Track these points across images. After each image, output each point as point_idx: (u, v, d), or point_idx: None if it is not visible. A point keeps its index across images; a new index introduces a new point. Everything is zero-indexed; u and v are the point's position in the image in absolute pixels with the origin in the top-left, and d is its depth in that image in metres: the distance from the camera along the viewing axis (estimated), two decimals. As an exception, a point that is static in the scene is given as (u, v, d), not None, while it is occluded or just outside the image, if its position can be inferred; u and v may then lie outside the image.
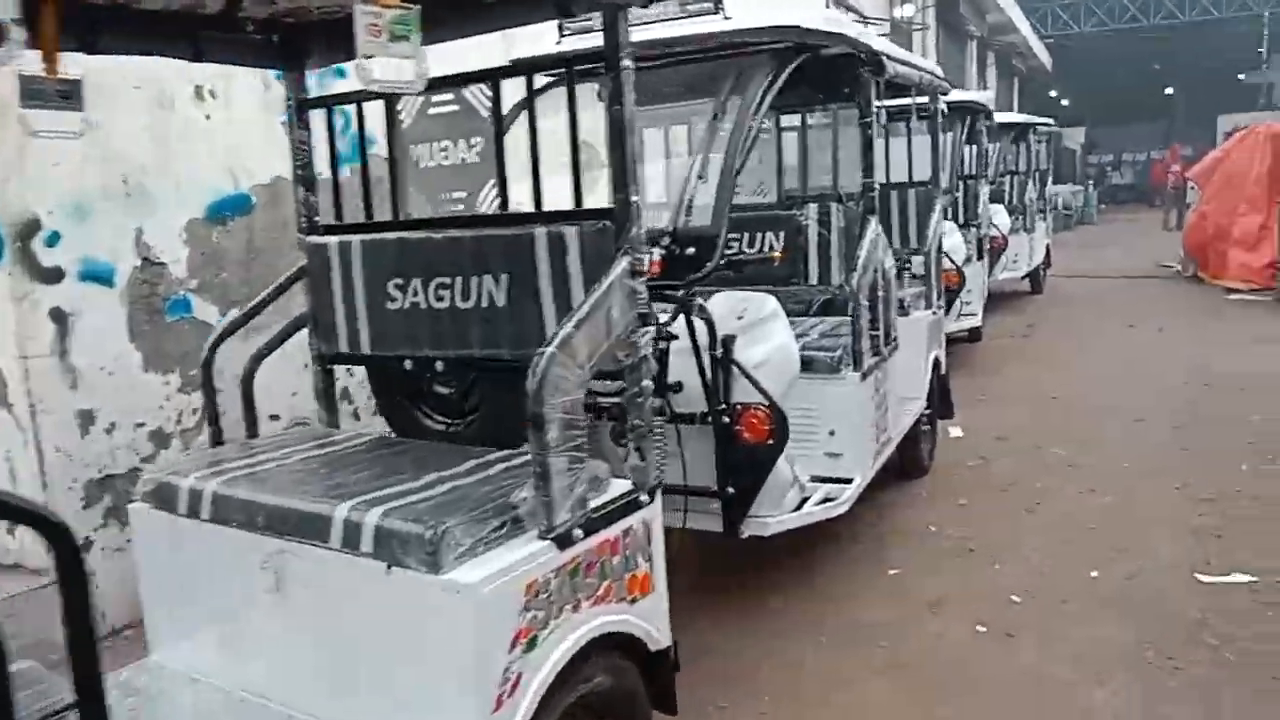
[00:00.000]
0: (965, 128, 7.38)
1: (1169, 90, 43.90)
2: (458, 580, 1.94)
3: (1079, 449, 5.74)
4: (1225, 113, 35.37)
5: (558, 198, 2.58)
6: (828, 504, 3.70)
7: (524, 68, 2.43)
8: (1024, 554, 4.24)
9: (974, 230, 7.97)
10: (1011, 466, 5.51)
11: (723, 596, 3.86)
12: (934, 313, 5.29)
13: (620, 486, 2.39)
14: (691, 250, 2.87)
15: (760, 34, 3.21)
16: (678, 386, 3.25)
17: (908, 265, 5.39)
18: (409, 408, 2.90)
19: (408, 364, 2.77)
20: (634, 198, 2.32)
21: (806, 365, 3.87)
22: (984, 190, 8.23)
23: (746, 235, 4.22)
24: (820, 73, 4.04)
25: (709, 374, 3.21)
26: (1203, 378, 7.35)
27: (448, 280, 2.63)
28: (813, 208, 4.10)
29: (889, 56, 4.03)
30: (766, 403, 3.25)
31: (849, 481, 3.86)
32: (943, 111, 6.90)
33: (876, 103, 4.58)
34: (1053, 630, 3.54)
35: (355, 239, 2.83)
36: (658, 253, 2.91)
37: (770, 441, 3.27)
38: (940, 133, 5.39)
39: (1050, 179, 12.67)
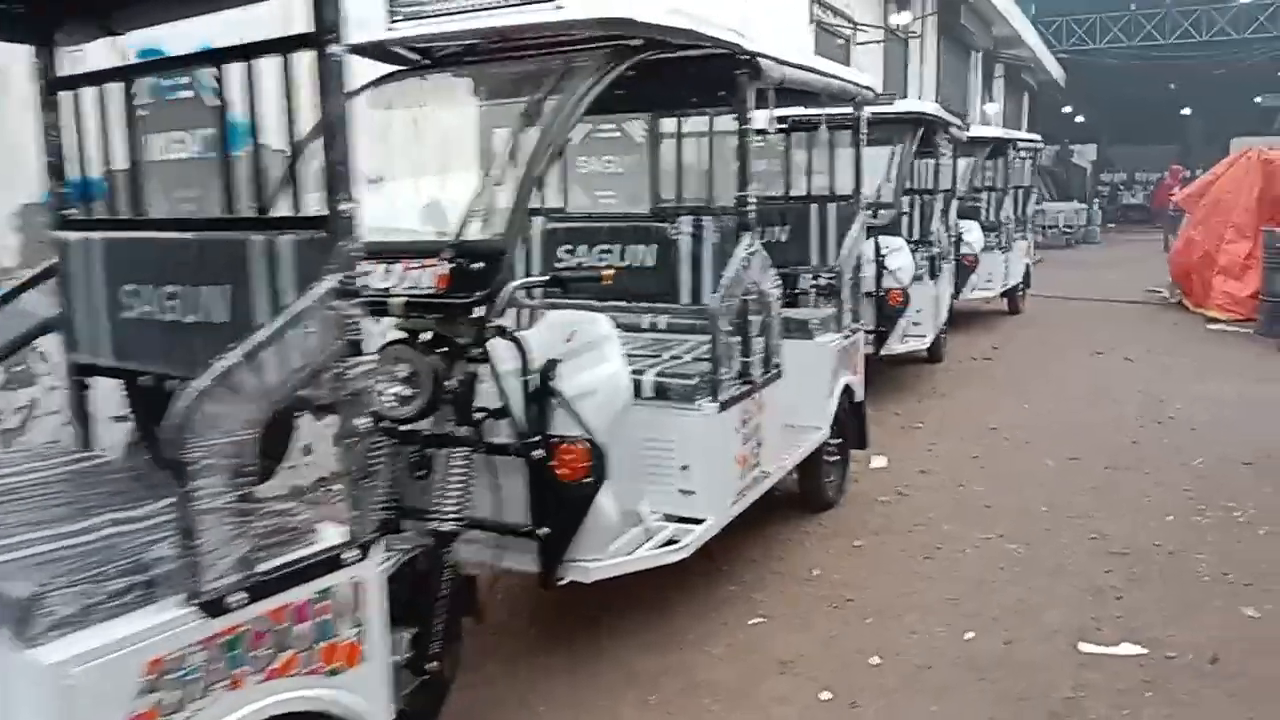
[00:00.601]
0: (915, 140, 7.01)
1: (1185, 110, 43.32)
2: (40, 659, 1.62)
3: (1002, 487, 5.38)
4: (1239, 135, 34.94)
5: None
6: (668, 548, 3.36)
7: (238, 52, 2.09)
8: (903, 609, 3.88)
9: (928, 248, 7.59)
10: (925, 504, 5.15)
11: (548, 646, 3.52)
12: (845, 336, 4.94)
13: (333, 538, 2.06)
14: (479, 265, 2.53)
15: (585, 26, 2.87)
16: (496, 413, 2.92)
17: (820, 284, 5.04)
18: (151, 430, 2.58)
19: (144, 380, 2.46)
20: (346, 206, 1.99)
21: (660, 392, 3.55)
22: (942, 207, 7.84)
23: (616, 247, 3.88)
24: (693, 74, 3.73)
25: (517, 402, 2.88)
26: (1156, 413, 6.97)
27: (174, 289, 2.31)
28: (686, 220, 3.76)
29: (773, 59, 3.68)
30: (586, 437, 2.92)
31: (701, 521, 3.52)
32: (875, 121, 6.57)
33: (776, 111, 4.29)
34: (900, 702, 3.18)
35: (97, 236, 2.52)
36: (445, 267, 2.58)
37: (588, 479, 2.94)
38: (861, 145, 5.03)
39: (1034, 196, 12.25)
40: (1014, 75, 27.66)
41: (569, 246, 3.99)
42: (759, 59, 3.54)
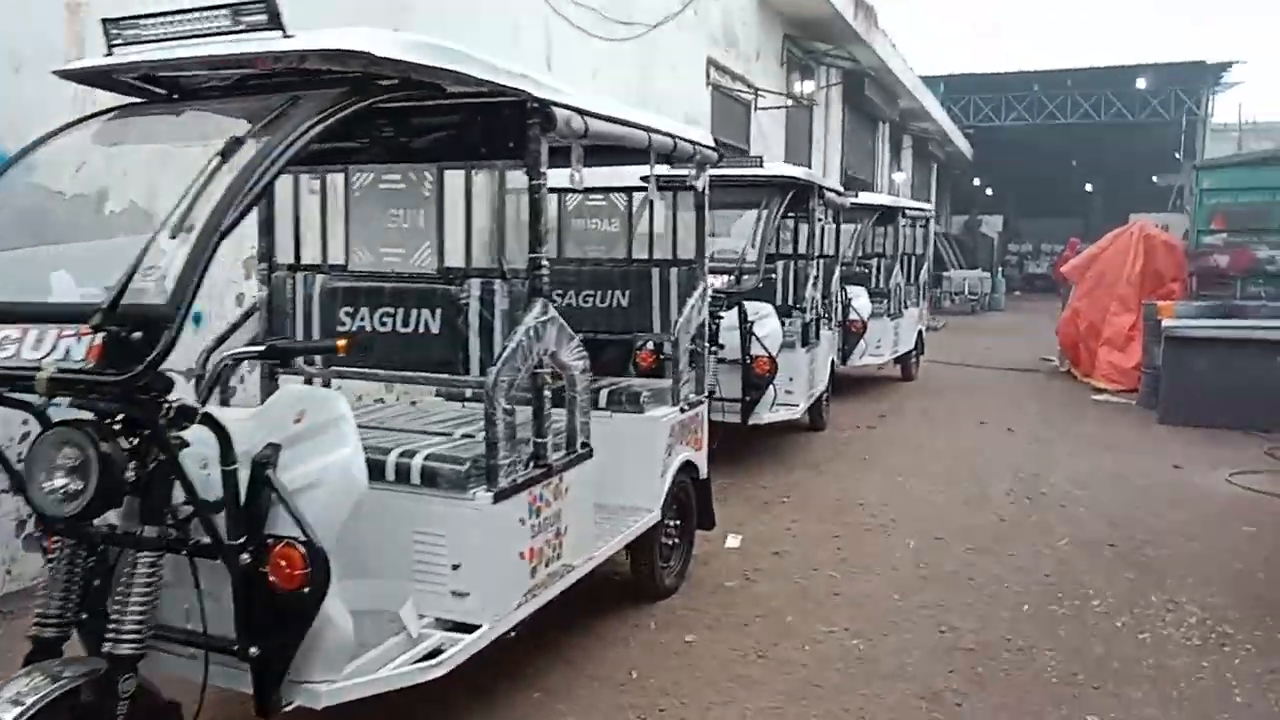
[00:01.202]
0: (783, 204, 6.79)
1: (1088, 187, 45.14)
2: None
3: (856, 573, 5.02)
4: (1138, 212, 36.39)
5: None
6: (425, 663, 2.88)
7: None
8: (716, 721, 3.46)
9: (801, 315, 7.34)
10: (771, 591, 4.76)
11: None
12: (683, 409, 4.57)
13: None
14: (138, 334, 2.08)
15: (312, 58, 2.48)
16: (198, 507, 2.44)
17: (662, 351, 4.68)
18: None
19: None
20: None
21: (428, 478, 3.11)
22: (816, 273, 7.61)
23: (398, 312, 3.46)
24: (480, 123, 3.36)
25: (218, 495, 2.42)
26: (1029, 489, 6.75)
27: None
28: (475, 283, 3.36)
29: (573, 109, 3.34)
30: (303, 539, 2.45)
31: (477, 628, 3.07)
32: (742, 184, 6.36)
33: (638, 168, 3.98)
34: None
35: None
36: (98, 337, 2.12)
37: (306, 589, 2.46)
38: (704, 207, 4.72)
39: (927, 264, 12.26)
40: (922, 147, 28.35)
41: (350, 308, 3.56)
42: (552, 107, 3.19)
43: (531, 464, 3.33)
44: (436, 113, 3.34)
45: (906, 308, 11.56)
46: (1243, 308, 9.83)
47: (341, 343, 2.65)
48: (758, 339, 6.63)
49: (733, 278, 6.29)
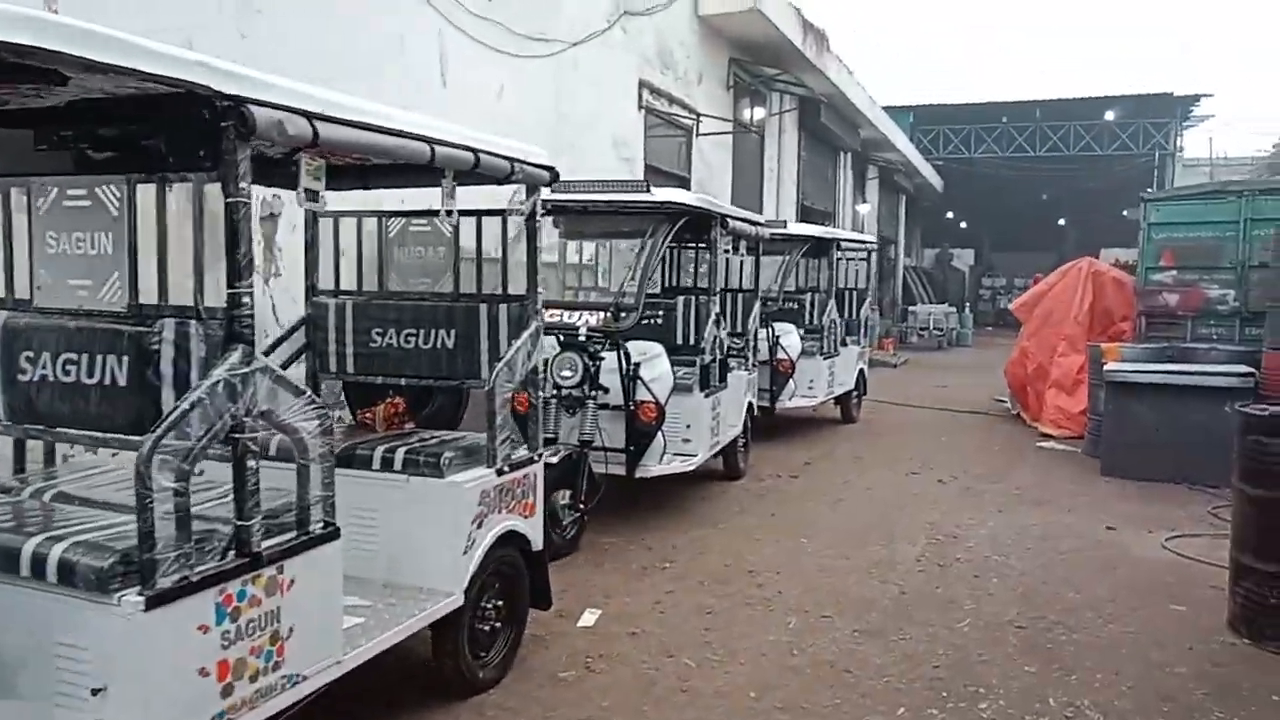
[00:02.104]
0: (669, 234, 6.13)
1: (1061, 221, 44.98)
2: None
3: (717, 661, 4.32)
4: (1110, 247, 36.14)
5: None
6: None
7: None
8: None
9: (700, 355, 6.66)
10: (610, 684, 4.05)
11: None
12: (504, 470, 3.87)
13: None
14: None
15: None
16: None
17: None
18: None
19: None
20: None
21: (64, 574, 2.40)
22: (718, 309, 6.95)
23: (82, 358, 2.76)
24: (167, 124, 2.69)
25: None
26: (944, 553, 6.08)
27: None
28: (169, 323, 2.68)
29: (291, 111, 2.66)
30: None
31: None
32: (627, 211, 5.79)
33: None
34: None
35: None
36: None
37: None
38: (537, 234, 4.06)
39: (869, 299, 11.64)
40: (889, 178, 27.92)
41: (30, 353, 2.86)
42: (249, 106, 2.51)
43: (230, 552, 2.63)
44: (120, 114, 2.66)
45: (844, 345, 10.94)
46: (1192, 351, 9.24)
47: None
48: (643, 383, 5.96)
49: (608, 314, 5.62)
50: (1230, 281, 9.90)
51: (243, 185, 2.56)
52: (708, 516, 6.78)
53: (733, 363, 7.76)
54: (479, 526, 3.75)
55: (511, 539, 3.99)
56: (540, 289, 4.18)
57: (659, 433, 6.07)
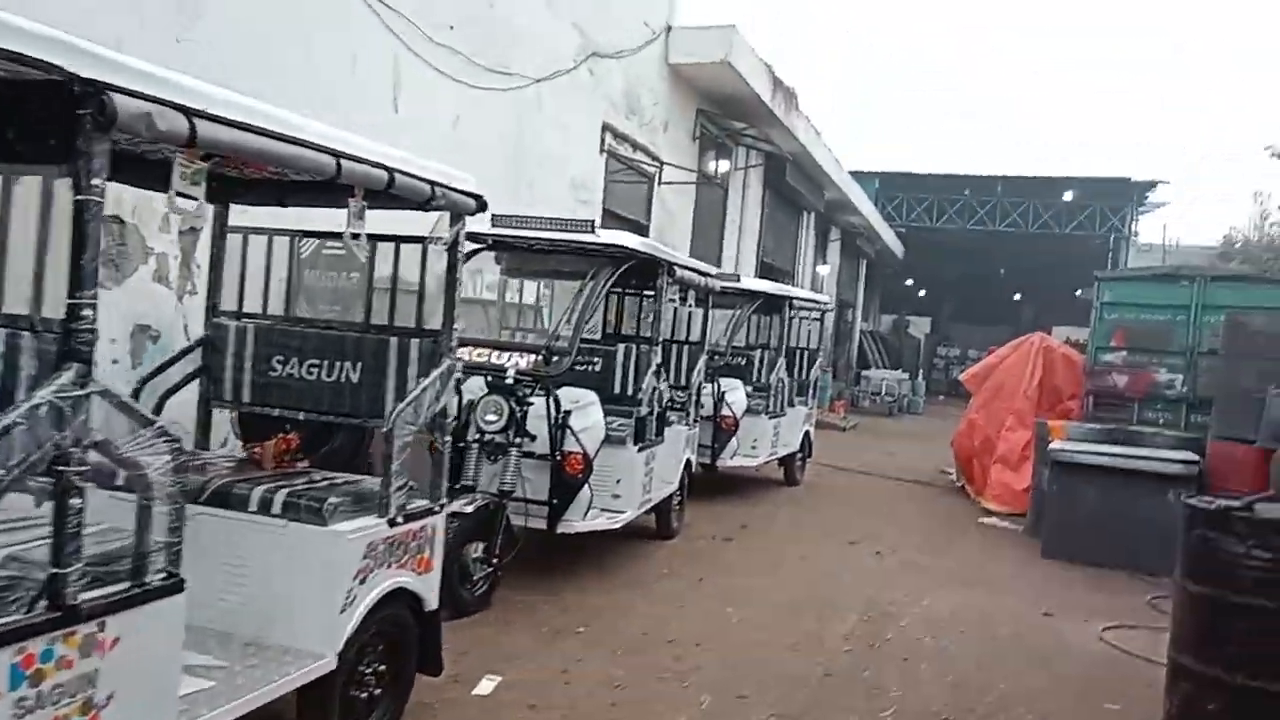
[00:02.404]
0: (611, 278, 5.87)
1: (1017, 296, 45.69)
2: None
3: (620, 743, 3.98)
4: (1062, 325, 36.69)
5: None
6: None
7: None
8: None
9: (639, 407, 6.38)
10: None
11: None
12: (394, 521, 3.53)
13: None
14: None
15: None
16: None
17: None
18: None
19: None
20: None
21: None
22: (659, 360, 6.69)
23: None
24: (16, 109, 2.37)
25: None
26: (876, 631, 5.80)
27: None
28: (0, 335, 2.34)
29: (163, 104, 2.36)
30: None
31: None
32: (570, 251, 5.55)
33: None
34: None
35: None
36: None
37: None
38: (458, 266, 3.76)
39: (820, 360, 11.47)
40: (850, 241, 28.10)
41: None
42: (111, 95, 2.21)
43: (40, 604, 2.26)
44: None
45: (792, 405, 10.72)
46: (1139, 434, 9.14)
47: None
48: (572, 432, 5.65)
49: (539, 357, 5.31)
50: (1179, 366, 9.88)
51: (96, 183, 2.24)
52: (633, 577, 6.44)
53: (673, 416, 7.49)
54: (362, 582, 3.39)
55: (400, 597, 3.64)
56: (457, 325, 3.88)
57: (585, 486, 5.75)
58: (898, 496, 11.26)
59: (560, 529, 5.79)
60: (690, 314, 7.79)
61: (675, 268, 6.50)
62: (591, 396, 5.87)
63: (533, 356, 5.31)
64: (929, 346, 42.06)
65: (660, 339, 6.52)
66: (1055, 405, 10.86)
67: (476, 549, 5.31)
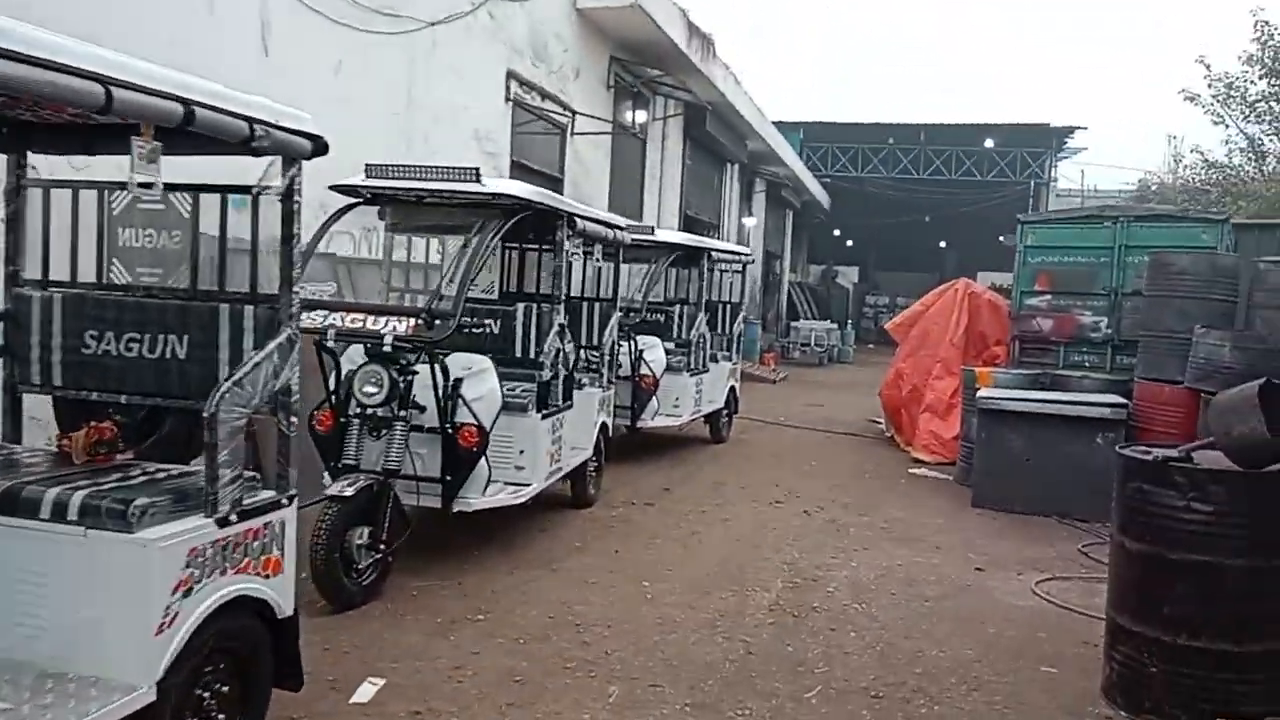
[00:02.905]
0: (499, 230, 5.33)
1: (943, 243, 46.05)
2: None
3: (512, 751, 3.54)
4: (986, 270, 37.06)
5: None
6: None
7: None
8: None
9: (542, 371, 5.88)
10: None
11: None
12: (226, 520, 2.99)
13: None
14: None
15: None
16: None
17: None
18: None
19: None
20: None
21: None
22: (559, 318, 6.17)
23: None
24: None
25: None
26: (800, 600, 5.45)
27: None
28: None
29: None
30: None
31: None
32: (456, 204, 5.07)
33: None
34: None
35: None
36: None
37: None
38: (293, 219, 3.20)
39: (742, 313, 11.09)
40: (776, 193, 27.76)
41: None
42: None
43: None
44: None
45: (715, 361, 10.33)
46: (1065, 379, 8.95)
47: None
48: (464, 402, 5.14)
49: (419, 321, 4.76)
50: (1103, 309, 9.71)
51: None
52: (542, 554, 5.99)
53: (585, 379, 7.02)
54: (185, 595, 2.86)
55: (244, 605, 3.12)
56: (299, 286, 3.33)
57: (483, 459, 5.25)
58: (826, 449, 10.99)
59: (456, 508, 5.30)
60: (599, 269, 7.29)
61: (575, 219, 5.97)
62: (485, 362, 5.36)
63: (413, 320, 4.75)
64: (858, 295, 42.22)
65: (562, 297, 6.00)
66: (982, 352, 10.67)
67: (361, 535, 4.79)
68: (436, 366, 4.97)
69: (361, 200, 5.56)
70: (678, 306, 10.05)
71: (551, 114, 12.13)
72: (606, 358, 7.19)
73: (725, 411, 10.80)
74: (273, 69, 6.96)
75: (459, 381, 5.15)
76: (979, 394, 8.29)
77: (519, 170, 11.10)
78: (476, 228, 5.17)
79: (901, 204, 39.26)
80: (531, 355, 6.02)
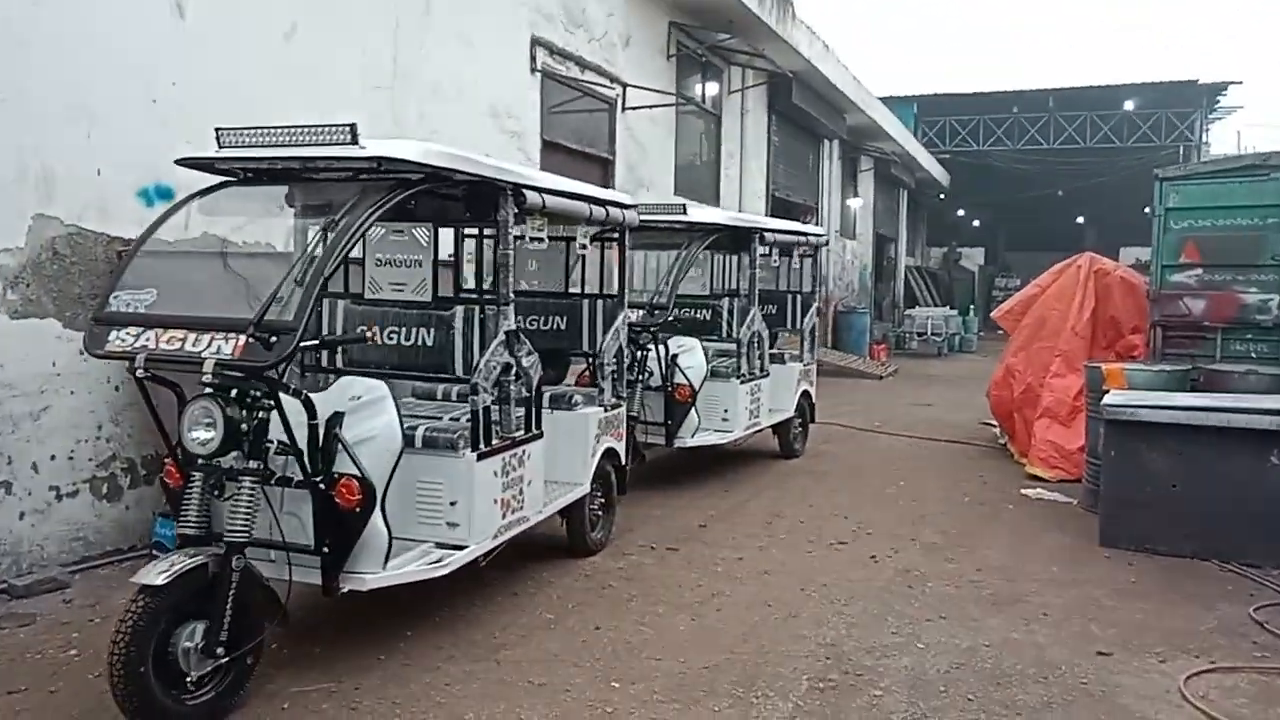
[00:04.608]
0: (382, 205, 3.88)
1: (1080, 219, 42.36)
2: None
3: None
4: (1130, 245, 33.58)
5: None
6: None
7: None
8: None
9: (475, 394, 4.42)
10: None
11: None
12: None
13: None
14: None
15: None
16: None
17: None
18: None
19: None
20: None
21: None
22: (506, 321, 4.70)
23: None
24: None
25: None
26: (829, 715, 3.84)
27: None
28: None
29: None
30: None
31: None
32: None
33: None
34: None
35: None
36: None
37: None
38: None
39: (815, 304, 9.34)
40: (885, 171, 25.56)
41: None
42: None
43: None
44: None
45: (782, 362, 8.69)
46: (1224, 376, 6.94)
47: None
48: (345, 447, 3.74)
49: (250, 338, 3.35)
50: (1273, 284, 7.55)
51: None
52: (494, 633, 4.54)
53: (578, 396, 5.53)
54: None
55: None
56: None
57: (376, 519, 3.84)
58: (920, 463, 9.17)
59: (344, 587, 3.87)
60: (583, 258, 5.80)
61: (524, 192, 4.48)
62: (377, 392, 3.93)
63: (241, 339, 3.36)
64: (985, 279, 39.20)
65: (511, 295, 4.50)
66: (1115, 343, 8.67)
67: (193, 634, 3.46)
68: (280, 406, 3.57)
69: (233, 180, 4.24)
70: (726, 300, 8.43)
71: (595, 87, 10.70)
72: (608, 368, 5.65)
73: (797, 421, 9.12)
74: (191, 36, 5.79)
75: (339, 419, 3.75)
76: (1106, 399, 6.39)
77: (551, 150, 9.74)
78: (347, 206, 3.76)
79: (1031, 178, 36.06)
80: (464, 373, 4.58)
